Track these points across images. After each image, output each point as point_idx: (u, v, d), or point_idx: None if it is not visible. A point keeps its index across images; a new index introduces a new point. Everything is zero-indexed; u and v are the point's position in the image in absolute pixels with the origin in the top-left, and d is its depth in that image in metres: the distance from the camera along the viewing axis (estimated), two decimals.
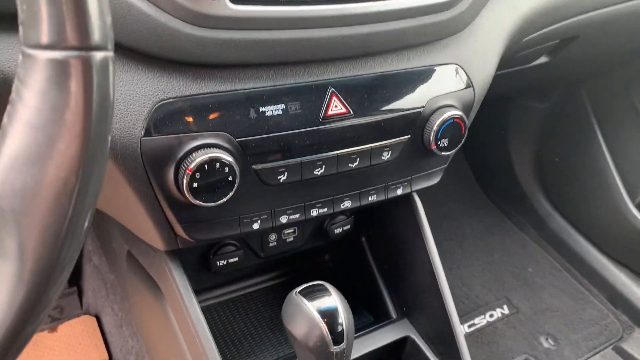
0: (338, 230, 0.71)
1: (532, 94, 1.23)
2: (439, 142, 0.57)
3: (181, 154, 0.46)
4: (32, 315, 0.24)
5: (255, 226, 0.53)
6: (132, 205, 0.50)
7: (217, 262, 0.64)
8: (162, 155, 0.46)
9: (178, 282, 0.56)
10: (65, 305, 1.00)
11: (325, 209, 0.57)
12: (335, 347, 0.48)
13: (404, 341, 0.68)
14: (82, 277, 1.02)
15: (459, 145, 0.59)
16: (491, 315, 1.15)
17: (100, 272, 0.98)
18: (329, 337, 0.48)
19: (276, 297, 0.76)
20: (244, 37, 0.46)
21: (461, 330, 0.65)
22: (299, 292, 0.49)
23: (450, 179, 1.15)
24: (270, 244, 0.68)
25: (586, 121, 1.17)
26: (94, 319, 0.98)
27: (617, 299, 1.18)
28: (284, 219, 0.55)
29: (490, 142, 1.36)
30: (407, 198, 0.69)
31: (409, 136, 0.57)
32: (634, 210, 1.12)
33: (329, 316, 0.48)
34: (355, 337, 0.68)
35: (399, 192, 0.61)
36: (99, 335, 0.96)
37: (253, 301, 0.75)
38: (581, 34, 0.82)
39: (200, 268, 0.62)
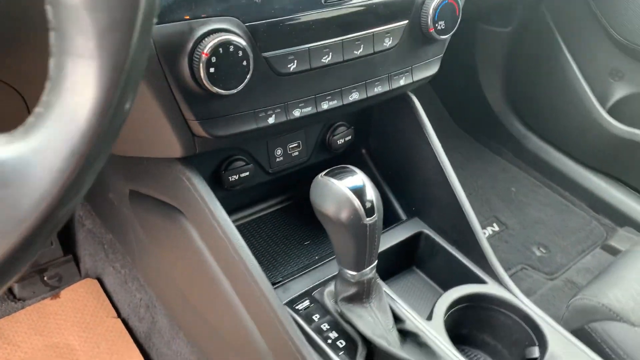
0: (340, 142, 0.72)
1: (494, 18, 1.26)
2: (436, 25, 0.59)
3: (193, 40, 0.45)
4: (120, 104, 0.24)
5: (271, 120, 0.53)
6: (148, 107, 0.49)
7: (229, 178, 0.63)
8: (174, 43, 0.45)
9: (202, 192, 0.55)
10: (63, 274, 0.98)
11: (335, 101, 0.57)
12: (367, 219, 0.49)
13: (417, 237, 0.70)
14: (76, 244, 0.99)
15: (455, 28, 0.60)
16: (483, 234, 1.19)
17: (95, 235, 0.96)
18: (361, 210, 0.48)
19: (289, 218, 0.76)
20: None
21: (473, 216, 0.67)
22: (325, 174, 0.50)
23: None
24: (277, 159, 0.68)
25: (550, 37, 1.21)
26: (96, 281, 0.96)
27: (598, 204, 1.24)
28: (296, 113, 0.55)
29: (460, 75, 1.39)
30: (405, 99, 0.70)
31: (407, 21, 0.58)
32: (606, 116, 1.16)
33: (358, 191, 0.49)
34: None
35: (402, 82, 0.62)
36: (104, 295, 0.94)
37: (265, 224, 0.75)
38: None
39: (214, 187, 0.62)
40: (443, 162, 0.68)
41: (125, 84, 0.24)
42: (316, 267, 0.64)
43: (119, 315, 0.92)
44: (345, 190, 0.48)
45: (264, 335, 0.57)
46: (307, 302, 0.59)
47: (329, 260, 0.65)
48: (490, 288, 0.63)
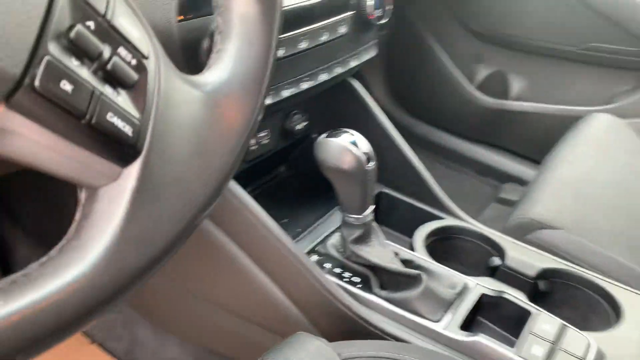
0: (298, 127, 0.82)
1: None
2: (375, 12, 0.72)
3: (208, 35, 0.53)
4: None
5: (267, 100, 0.62)
6: None
7: None
8: (196, 39, 0.52)
9: None
10: None
11: (311, 82, 0.67)
12: (368, 165, 0.59)
13: (378, 196, 0.82)
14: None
15: (390, 14, 0.74)
16: (434, 182, 1.33)
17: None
18: (363, 157, 0.59)
19: (264, 201, 0.83)
20: None
21: (423, 168, 0.81)
22: (327, 136, 0.60)
23: None
24: (252, 148, 0.76)
25: (421, 36, 1.43)
26: None
27: (482, 169, 1.46)
28: (285, 93, 0.64)
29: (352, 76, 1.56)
30: (347, 84, 0.82)
31: (355, 11, 0.70)
32: (477, 93, 1.40)
33: (357, 144, 0.59)
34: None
35: (353, 63, 0.74)
36: None
37: None
38: None
39: None
40: (388, 128, 0.81)
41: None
42: (303, 236, 0.73)
43: (93, 341, 0.90)
44: (348, 145, 0.59)
45: (291, 295, 0.63)
46: (315, 257, 0.67)
47: (314, 228, 0.75)
48: (450, 221, 0.77)
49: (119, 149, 0.25)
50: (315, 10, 0.64)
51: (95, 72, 0.24)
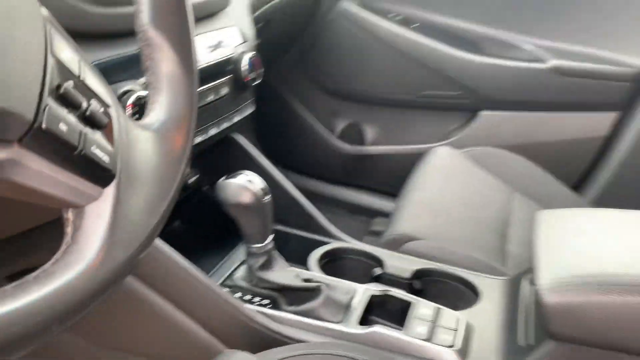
0: (190, 181, 0.90)
1: None
2: (250, 75, 0.84)
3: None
4: None
5: None
6: None
7: None
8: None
9: None
10: None
11: (203, 136, 0.77)
12: (264, 199, 0.70)
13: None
14: None
15: (262, 76, 0.87)
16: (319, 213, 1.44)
17: None
18: (259, 192, 0.69)
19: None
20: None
21: (308, 203, 0.92)
22: (226, 179, 0.69)
23: None
24: None
25: (282, 96, 1.59)
26: None
27: (354, 208, 1.63)
28: None
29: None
30: (233, 141, 0.93)
31: (232, 74, 0.82)
32: (337, 141, 1.58)
33: (253, 182, 0.69)
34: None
35: (236, 119, 0.85)
36: None
37: None
38: (272, 18, 1.19)
39: None
40: (272, 172, 0.93)
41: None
42: (210, 275, 0.80)
43: None
44: (246, 183, 0.68)
45: (208, 326, 0.70)
46: (225, 290, 0.75)
47: (219, 267, 0.82)
48: (337, 244, 0.89)
49: (100, 173, 0.33)
50: (201, 75, 0.75)
51: (79, 117, 0.32)
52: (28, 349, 0.30)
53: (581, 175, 1.36)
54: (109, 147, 0.34)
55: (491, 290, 0.78)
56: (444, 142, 1.41)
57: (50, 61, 0.31)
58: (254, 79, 0.85)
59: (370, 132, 1.57)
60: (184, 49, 0.43)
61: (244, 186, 0.68)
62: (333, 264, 0.86)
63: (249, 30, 0.91)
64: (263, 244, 0.72)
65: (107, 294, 0.33)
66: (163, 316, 0.69)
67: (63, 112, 0.31)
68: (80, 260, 0.31)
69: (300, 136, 1.60)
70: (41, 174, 0.30)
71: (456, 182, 1.15)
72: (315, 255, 0.84)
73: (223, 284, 0.77)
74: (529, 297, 0.70)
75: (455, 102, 1.44)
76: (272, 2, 1.12)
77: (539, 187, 1.24)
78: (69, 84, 0.32)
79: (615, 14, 1.26)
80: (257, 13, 1.06)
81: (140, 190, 0.36)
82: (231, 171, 0.94)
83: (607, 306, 0.56)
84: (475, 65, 1.35)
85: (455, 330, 0.68)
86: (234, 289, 0.75)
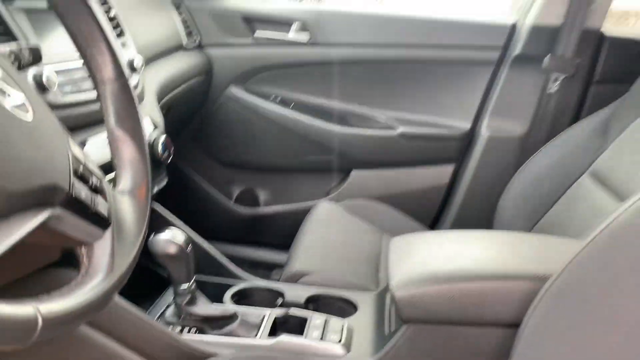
0: None
1: None
2: (164, 154, 1.05)
3: None
4: None
5: None
6: None
7: None
8: None
9: None
10: None
11: None
12: (188, 248, 0.90)
13: None
14: None
15: (172, 154, 1.08)
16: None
17: None
18: (183, 242, 0.89)
19: None
20: None
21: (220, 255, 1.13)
22: (155, 236, 0.88)
23: None
24: None
25: (182, 170, 1.79)
26: None
27: (254, 264, 1.82)
28: None
29: None
30: (153, 210, 1.11)
31: (150, 155, 1.02)
32: (235, 206, 1.80)
33: (176, 233, 0.89)
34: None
35: (155, 190, 1.05)
36: None
37: None
38: (172, 105, 1.42)
39: None
40: (188, 232, 1.12)
41: None
42: None
43: None
44: (172, 237, 0.88)
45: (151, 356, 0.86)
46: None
47: (149, 312, 0.99)
48: (247, 284, 1.09)
49: (102, 222, 0.53)
50: None
51: (89, 188, 0.53)
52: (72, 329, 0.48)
53: (434, 216, 1.69)
54: (106, 205, 0.54)
55: (365, 303, 1.03)
56: (325, 198, 1.68)
57: (70, 154, 0.52)
58: (167, 157, 1.06)
59: (262, 195, 1.81)
60: (139, 140, 0.64)
61: (170, 240, 0.88)
62: (244, 300, 1.06)
63: (159, 118, 1.13)
64: (188, 285, 0.91)
65: (109, 304, 0.52)
66: (105, 350, 0.85)
67: (81, 185, 0.52)
68: (97, 276, 0.51)
69: (202, 204, 1.79)
70: (71, 224, 0.50)
71: (337, 229, 1.42)
72: (229, 294, 1.04)
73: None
74: (390, 298, 0.95)
75: (331, 165, 1.73)
76: (173, 93, 1.35)
77: (401, 229, 1.54)
78: (81, 168, 0.53)
79: (442, 92, 1.64)
80: (161, 103, 1.28)
81: (126, 229, 0.57)
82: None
83: (439, 292, 0.82)
84: (344, 134, 1.67)
85: (341, 331, 0.91)
86: (166, 325, 0.93)
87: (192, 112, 1.69)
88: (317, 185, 1.76)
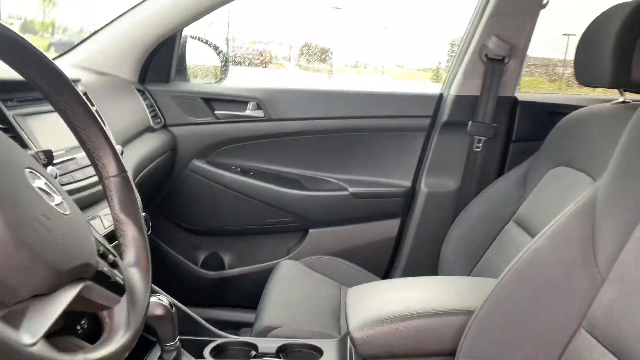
0: None
1: None
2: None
3: None
4: None
5: None
6: None
7: None
8: None
9: None
10: None
11: None
12: (172, 309, 1.03)
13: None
14: None
15: (150, 229, 1.22)
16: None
17: None
18: (168, 305, 1.02)
19: None
20: None
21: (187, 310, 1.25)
22: None
23: None
24: None
25: (150, 239, 1.91)
26: None
27: (220, 325, 1.93)
28: None
29: None
30: None
31: None
32: (201, 271, 1.92)
33: (161, 299, 1.02)
34: None
35: None
36: None
37: None
38: (143, 181, 1.56)
39: None
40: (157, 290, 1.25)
41: None
42: None
43: None
44: (158, 300, 1.01)
45: None
46: None
47: None
48: (221, 339, 1.22)
49: (119, 289, 0.68)
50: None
51: (108, 263, 0.67)
52: None
53: (386, 267, 1.87)
54: (121, 276, 0.69)
55: (330, 347, 1.18)
56: (285, 257, 1.83)
57: (93, 238, 0.67)
58: (147, 232, 1.20)
59: (227, 258, 1.94)
60: (139, 223, 0.79)
61: (157, 302, 1.01)
62: (221, 354, 1.19)
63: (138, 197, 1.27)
64: (174, 342, 1.03)
65: (130, 350, 0.66)
66: None
67: (103, 262, 0.66)
68: (119, 332, 0.65)
69: (170, 270, 1.91)
70: (97, 293, 0.65)
71: (299, 285, 1.56)
72: (207, 349, 1.16)
73: None
74: (349, 340, 1.10)
75: (290, 226, 1.89)
76: (144, 171, 1.50)
77: (357, 280, 1.70)
78: (101, 248, 0.68)
79: (384, 155, 1.85)
80: (135, 181, 1.42)
81: (136, 293, 0.71)
82: None
83: (389, 331, 0.98)
84: (300, 197, 1.84)
85: None
86: None
87: (160, 186, 1.83)
88: (278, 245, 1.91)
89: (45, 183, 0.62)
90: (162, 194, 1.87)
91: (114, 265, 0.69)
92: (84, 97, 0.75)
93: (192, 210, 1.90)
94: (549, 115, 1.76)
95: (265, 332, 1.27)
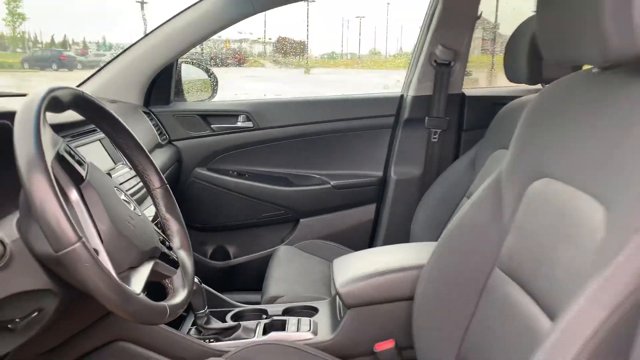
0: None
1: None
2: None
3: None
4: None
5: None
6: None
7: None
8: None
9: None
10: None
11: None
12: (201, 285, 1.35)
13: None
14: None
15: None
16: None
17: None
18: (198, 283, 1.34)
19: None
20: None
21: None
22: None
23: None
24: None
25: None
26: None
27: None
28: None
29: None
30: None
31: None
32: (209, 262, 2.24)
33: None
34: None
35: None
36: None
37: None
38: None
39: None
40: None
41: None
42: None
43: None
44: None
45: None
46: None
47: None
48: (237, 309, 1.55)
49: (176, 264, 1.00)
50: None
51: (167, 247, 1.00)
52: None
53: (367, 245, 2.21)
54: (174, 255, 1.02)
55: (323, 306, 1.51)
56: (282, 244, 2.16)
57: (154, 229, 0.99)
58: None
59: (231, 249, 2.26)
60: (179, 219, 1.11)
61: None
62: (240, 319, 1.51)
63: None
64: (204, 310, 1.36)
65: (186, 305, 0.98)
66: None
67: (163, 246, 0.99)
68: (179, 293, 0.98)
69: None
70: (163, 266, 0.97)
71: (295, 265, 1.89)
72: (228, 316, 1.49)
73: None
74: (337, 296, 1.44)
75: (283, 217, 2.22)
76: None
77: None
78: (161, 237, 1.00)
79: (359, 151, 2.18)
80: None
81: (186, 267, 1.04)
82: None
83: (367, 285, 1.30)
84: (290, 192, 2.17)
85: (310, 324, 1.38)
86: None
87: None
88: (274, 234, 2.24)
89: (125, 196, 0.95)
90: None
91: (169, 248, 1.01)
92: (132, 133, 1.07)
93: (198, 211, 2.22)
94: (493, 106, 2.09)
95: (272, 301, 1.60)
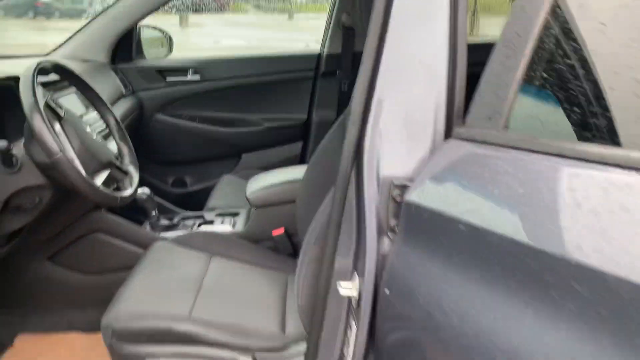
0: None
1: None
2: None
3: None
4: None
5: None
6: None
7: None
8: None
9: None
10: None
11: None
12: (152, 196, 1.91)
13: None
14: None
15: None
16: None
17: None
18: (151, 193, 1.90)
19: None
20: None
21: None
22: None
23: None
24: None
25: None
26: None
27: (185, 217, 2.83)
28: None
29: None
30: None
31: None
32: (171, 188, 2.80)
33: (142, 189, 1.90)
34: None
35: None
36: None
37: None
38: None
39: None
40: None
41: None
42: None
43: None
44: (143, 191, 1.89)
45: None
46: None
47: None
48: (182, 213, 2.12)
49: (125, 173, 1.56)
50: None
51: (120, 162, 1.56)
52: None
53: None
54: (125, 168, 1.58)
55: (242, 210, 2.08)
56: (228, 174, 2.72)
57: (111, 151, 1.55)
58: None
59: (188, 179, 2.83)
60: (129, 145, 1.66)
61: (143, 192, 1.89)
62: (183, 220, 2.08)
63: None
64: (155, 211, 1.92)
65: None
66: (113, 243, 1.86)
67: (117, 161, 1.55)
68: (129, 188, 1.54)
69: (151, 190, 2.78)
70: (116, 173, 1.53)
71: (233, 187, 2.46)
72: (175, 218, 2.06)
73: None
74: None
75: (228, 152, 2.77)
76: (124, 123, 2.34)
77: None
78: (115, 155, 1.56)
79: (287, 98, 2.72)
80: None
81: (133, 174, 1.60)
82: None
83: (271, 192, 1.88)
84: (233, 132, 2.71)
85: (230, 222, 1.96)
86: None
87: (134, 133, 2.67)
88: (222, 167, 2.80)
89: (89, 128, 1.49)
90: (136, 140, 2.72)
91: (122, 163, 1.56)
92: (94, 88, 1.61)
93: (159, 148, 2.76)
94: None
95: (210, 209, 2.18)
